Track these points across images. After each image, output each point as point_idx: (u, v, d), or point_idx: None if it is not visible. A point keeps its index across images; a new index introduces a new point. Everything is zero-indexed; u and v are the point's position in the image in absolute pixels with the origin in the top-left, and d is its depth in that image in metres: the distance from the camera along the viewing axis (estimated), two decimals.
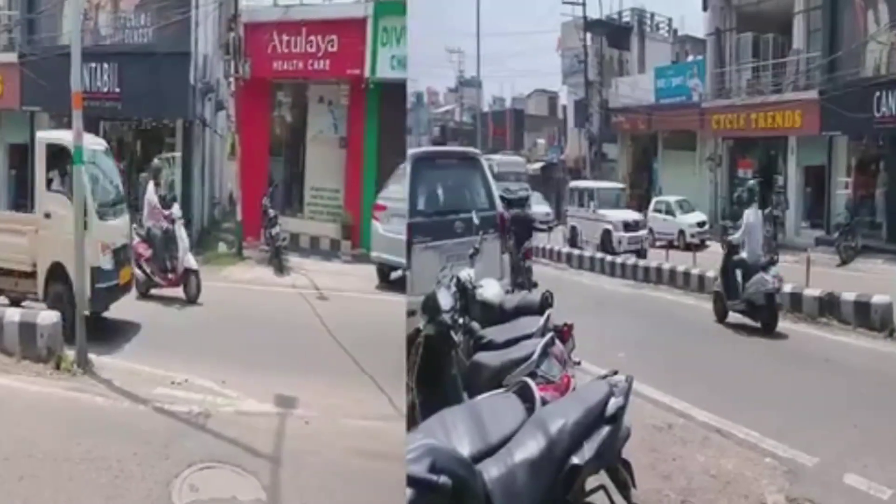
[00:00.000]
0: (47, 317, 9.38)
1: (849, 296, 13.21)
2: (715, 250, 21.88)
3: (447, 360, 5.65)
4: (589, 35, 32.52)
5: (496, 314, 6.49)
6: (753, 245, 13.55)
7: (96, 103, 15.89)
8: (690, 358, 11.17)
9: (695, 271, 17.63)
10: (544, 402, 4.25)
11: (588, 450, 3.78)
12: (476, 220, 8.61)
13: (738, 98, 24.55)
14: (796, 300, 14.04)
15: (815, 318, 13.45)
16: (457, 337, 5.72)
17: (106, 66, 17.06)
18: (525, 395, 4.25)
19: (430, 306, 5.72)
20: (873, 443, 7.39)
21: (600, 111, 31.44)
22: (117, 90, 17.01)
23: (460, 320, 5.87)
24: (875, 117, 19.68)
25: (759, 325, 12.96)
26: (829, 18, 21.71)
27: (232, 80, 17.39)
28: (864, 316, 12.82)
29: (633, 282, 19.21)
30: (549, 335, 5.64)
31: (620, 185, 26.53)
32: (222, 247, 17.27)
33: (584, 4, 31.71)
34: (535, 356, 5.28)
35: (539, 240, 25.62)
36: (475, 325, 6.16)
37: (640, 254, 21.83)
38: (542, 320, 6.06)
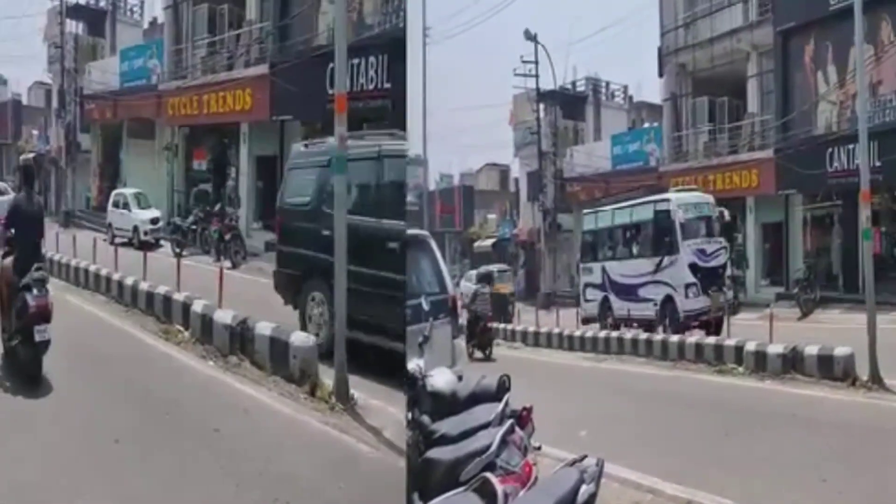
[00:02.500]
0: (302, 338, 9.31)
1: (812, 349, 13.76)
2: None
3: None
4: (542, 106, 33.05)
5: (449, 404, 6.16)
6: None
7: (359, 104, 14.64)
8: (656, 428, 11.11)
9: (657, 338, 17.79)
10: (506, 496, 4.14)
11: None
12: (426, 306, 8.51)
13: (696, 161, 25.41)
14: (760, 357, 14.43)
15: (780, 374, 13.83)
16: (406, 434, 5.55)
17: (372, 59, 15.84)
18: (484, 491, 4.11)
19: None
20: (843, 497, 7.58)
21: (555, 181, 31.88)
22: (386, 86, 15.70)
23: (409, 415, 5.70)
24: (828, 172, 20.58)
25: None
26: (781, 81, 22.88)
27: None
28: (828, 368, 13.31)
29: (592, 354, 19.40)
30: (508, 423, 5.41)
31: None
32: None
33: (536, 76, 32.08)
34: (493, 447, 5.04)
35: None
36: (425, 419, 5.85)
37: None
38: (499, 407, 5.80)
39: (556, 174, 32.05)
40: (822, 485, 7.86)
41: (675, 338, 17.39)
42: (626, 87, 35.76)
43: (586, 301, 22.51)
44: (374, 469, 7.27)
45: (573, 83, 35.36)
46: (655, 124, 29.39)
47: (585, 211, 24.27)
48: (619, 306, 20.93)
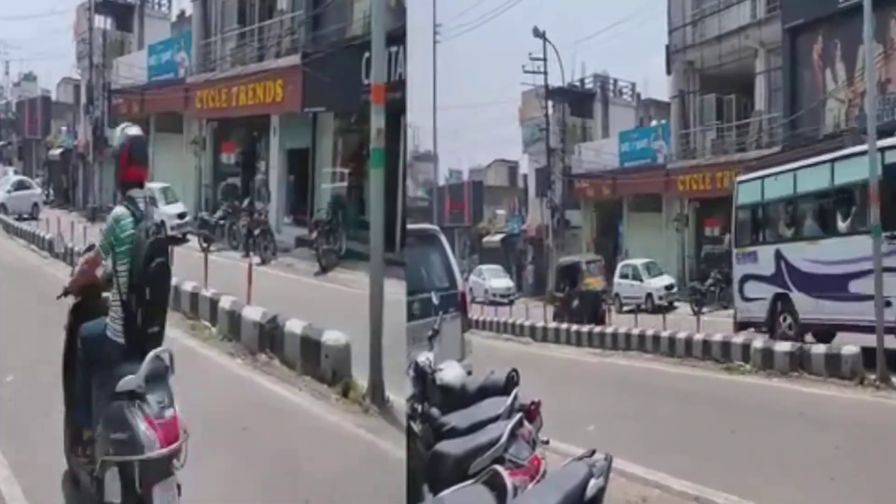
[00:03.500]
0: (334, 337, 9.16)
1: (819, 348, 13.92)
2: (684, 311, 22.62)
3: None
4: (551, 103, 33.51)
5: (458, 398, 6.29)
6: None
7: (397, 94, 13.70)
8: (663, 424, 11.14)
9: (664, 334, 17.90)
10: (515, 489, 4.22)
11: None
12: (435, 301, 8.63)
13: (704, 158, 25.70)
14: (768, 355, 14.51)
15: (787, 372, 13.90)
16: (416, 426, 5.62)
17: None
18: (494, 483, 4.12)
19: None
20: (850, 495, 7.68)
21: (563, 178, 32.32)
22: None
23: (419, 408, 5.80)
24: None
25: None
26: (789, 78, 23.05)
27: None
28: (835, 367, 13.37)
29: (599, 350, 19.43)
30: (517, 416, 5.46)
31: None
32: None
33: (545, 73, 32.43)
34: (502, 440, 5.12)
35: (501, 314, 26.01)
36: (435, 411, 5.99)
37: None
38: (508, 401, 5.88)
39: (564, 171, 32.61)
40: (829, 483, 7.91)
41: (682, 334, 17.41)
42: (633, 85, 36.36)
43: (745, 300, 17.41)
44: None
45: (581, 80, 36.09)
46: (663, 121, 29.77)
47: (741, 179, 18.39)
48: (809, 307, 15.48)
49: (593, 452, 4.30)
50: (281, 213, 19.68)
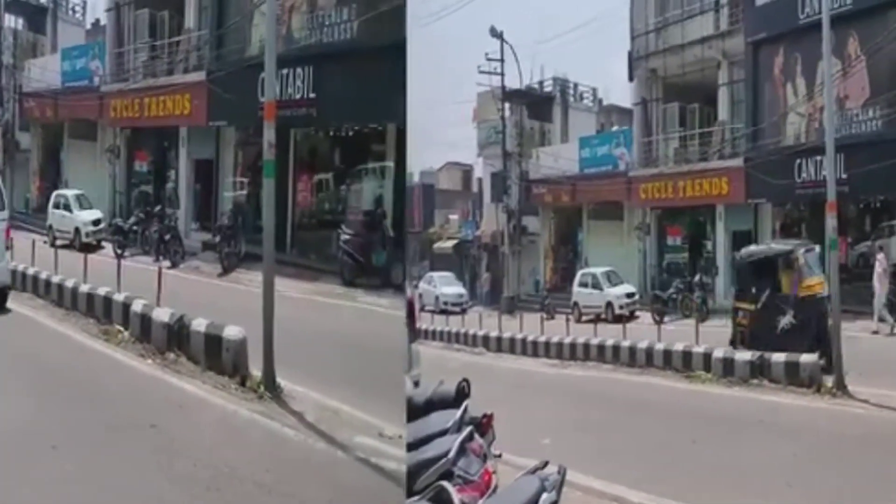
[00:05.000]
0: (234, 332, 10.36)
1: (779, 356, 14.97)
2: (646, 320, 23.67)
3: None
4: (507, 105, 33.51)
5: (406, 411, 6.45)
6: None
7: (287, 112, 16.26)
8: (622, 436, 11.59)
9: (624, 344, 18.73)
10: None
11: None
12: None
13: (666, 167, 26.63)
14: (728, 364, 15.63)
15: (747, 381, 15.03)
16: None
17: (299, 70, 17.58)
18: (440, 500, 4.25)
19: None
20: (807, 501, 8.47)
21: (520, 183, 32.33)
22: (312, 96, 17.58)
23: None
24: (796, 183, 22.10)
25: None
26: (751, 90, 24.30)
27: None
28: (794, 375, 14.56)
29: (557, 360, 20.17)
30: (467, 430, 5.51)
31: None
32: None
33: (502, 74, 32.52)
34: (451, 454, 5.11)
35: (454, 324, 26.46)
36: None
37: None
38: (458, 413, 5.89)
39: (521, 175, 32.46)
40: (787, 490, 8.56)
41: (643, 343, 18.16)
42: (595, 90, 36.31)
43: None
44: (299, 451, 8.17)
45: (540, 83, 35.58)
46: (625, 128, 30.40)
47: None
48: None
49: (545, 465, 4.43)
50: (189, 220, 21.15)
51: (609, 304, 25.20)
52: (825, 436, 11.51)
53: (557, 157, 31.46)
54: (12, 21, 29.58)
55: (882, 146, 19.90)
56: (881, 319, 18.44)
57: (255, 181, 18.51)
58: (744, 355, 15.53)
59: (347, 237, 17.21)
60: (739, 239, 24.57)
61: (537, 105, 35.17)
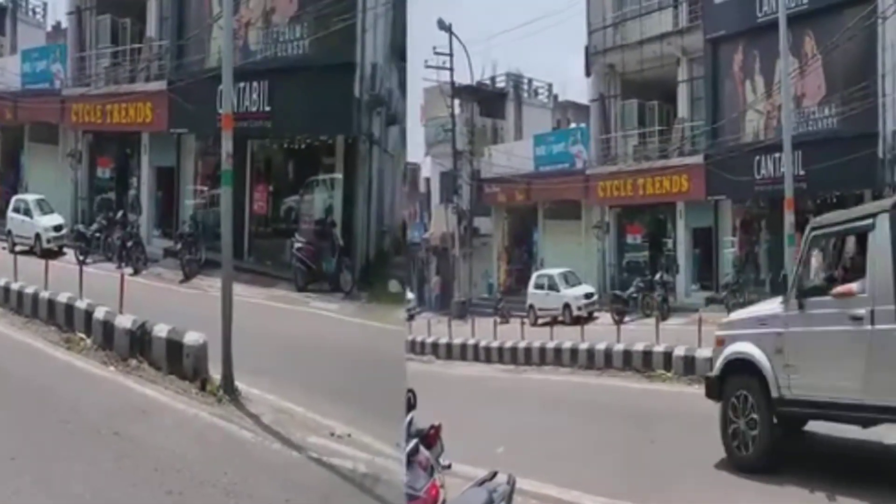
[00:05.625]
0: (193, 337, 10.78)
1: None
2: (605, 321, 24.02)
3: None
4: (457, 101, 33.06)
5: None
6: None
7: (244, 123, 17.00)
8: (579, 440, 11.72)
9: (582, 346, 18.85)
10: None
11: None
12: None
13: (626, 164, 26.98)
14: (689, 362, 16.01)
15: None
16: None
17: (255, 84, 18.22)
18: None
19: None
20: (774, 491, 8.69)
21: (472, 183, 32.21)
22: (267, 108, 18.27)
23: None
24: (756, 180, 22.80)
25: None
26: (710, 88, 24.95)
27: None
28: None
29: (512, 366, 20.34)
30: (412, 442, 5.49)
31: None
32: (393, 285, 17.44)
33: (451, 69, 31.99)
34: None
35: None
36: None
37: None
38: (403, 426, 5.90)
39: (472, 175, 32.29)
40: (744, 482, 8.87)
41: (601, 345, 18.35)
42: (550, 86, 36.41)
43: None
44: (255, 453, 8.49)
45: (492, 79, 35.61)
46: (582, 125, 30.51)
47: None
48: None
49: (494, 475, 4.43)
50: (151, 226, 21.74)
51: (566, 306, 25.24)
52: None
53: (511, 156, 31.28)
54: (462, 107, 31.01)
55: (838, 143, 20.67)
56: None
57: (215, 189, 19.45)
58: (704, 353, 15.67)
59: (300, 245, 17.83)
60: (700, 236, 25.47)
61: (489, 101, 35.07)
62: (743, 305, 21.87)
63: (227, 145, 11.09)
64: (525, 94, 36.18)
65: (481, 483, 4.33)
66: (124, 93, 21.78)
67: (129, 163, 23.43)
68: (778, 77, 20.13)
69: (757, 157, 22.74)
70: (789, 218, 15.74)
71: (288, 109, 18.34)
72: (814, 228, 9.66)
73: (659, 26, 26.59)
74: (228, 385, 10.16)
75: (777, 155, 20.79)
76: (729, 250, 24.74)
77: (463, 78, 32.52)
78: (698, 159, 24.73)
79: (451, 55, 31.72)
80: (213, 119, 14.11)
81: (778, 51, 17.60)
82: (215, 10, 19.51)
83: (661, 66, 26.55)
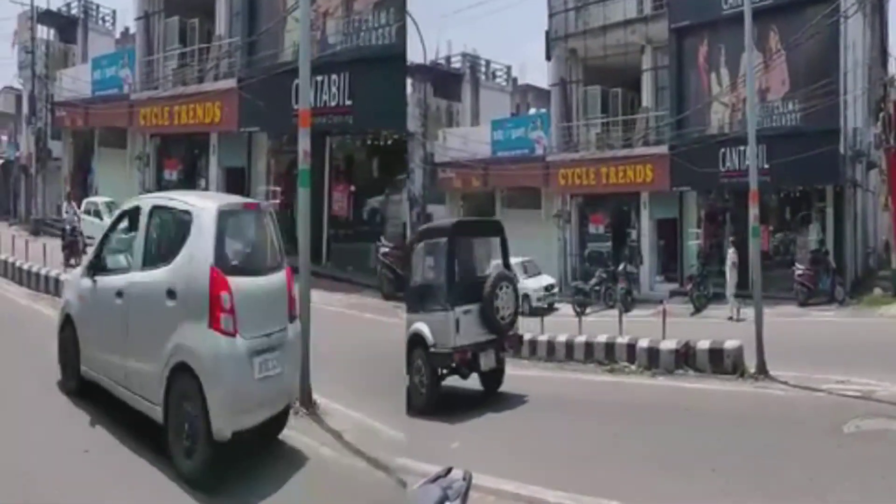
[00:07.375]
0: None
1: (704, 344, 16.31)
2: (565, 312, 25.06)
3: None
4: (410, 81, 32.34)
5: None
6: None
7: (322, 119, 17.54)
8: (539, 435, 12.00)
9: (542, 338, 19.42)
10: None
11: None
12: None
13: (588, 152, 27.89)
14: (653, 354, 16.82)
15: (672, 371, 16.27)
16: None
17: (335, 77, 18.90)
18: None
19: None
20: (730, 484, 9.28)
21: (425, 166, 32.56)
22: (348, 103, 18.94)
23: None
24: (721, 172, 24.15)
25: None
26: (675, 78, 26.08)
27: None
28: (718, 362, 15.96)
29: None
30: None
31: None
32: (877, 291, 23.36)
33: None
34: None
35: None
36: None
37: None
38: None
39: (424, 159, 32.64)
40: (710, 474, 9.40)
41: (562, 337, 18.92)
42: (509, 68, 37.23)
43: None
44: (336, 472, 8.65)
45: (447, 59, 36.34)
46: (543, 110, 31.36)
47: None
48: None
49: (449, 471, 4.35)
50: (653, 273, 23.98)
51: (526, 297, 25.20)
52: (748, 419, 12.28)
53: (467, 140, 31.97)
54: (44, 32, 31.98)
55: (800, 139, 22.13)
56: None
57: (288, 190, 20.70)
58: (668, 344, 16.66)
59: (386, 250, 18.08)
60: (664, 227, 26.64)
61: (444, 82, 35.44)
62: (707, 297, 23.59)
63: (304, 142, 11.24)
64: (482, 77, 36.72)
65: (435, 479, 4.23)
66: (192, 93, 22.98)
67: (196, 164, 25.01)
68: (743, 70, 21.05)
69: (722, 150, 24.04)
70: (754, 210, 16.61)
71: (370, 103, 18.87)
72: None
73: (623, 12, 27.50)
74: (305, 398, 10.34)
75: (742, 148, 22.15)
76: (693, 242, 25.95)
77: (415, 55, 32.49)
78: (663, 149, 25.76)
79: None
80: (288, 115, 14.75)
81: (743, 44, 18.49)
82: (289, 1, 20.15)
83: (625, 53, 27.41)
